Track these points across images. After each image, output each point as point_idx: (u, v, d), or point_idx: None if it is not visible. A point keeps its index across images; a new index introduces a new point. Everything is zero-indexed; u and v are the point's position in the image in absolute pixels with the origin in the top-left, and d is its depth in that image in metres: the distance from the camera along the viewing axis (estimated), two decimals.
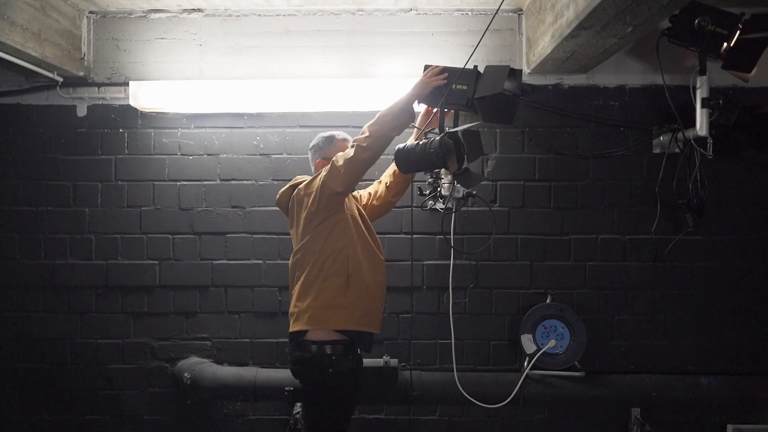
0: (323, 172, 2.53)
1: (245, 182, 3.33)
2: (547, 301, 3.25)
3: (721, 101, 2.85)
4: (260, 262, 3.32)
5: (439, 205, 2.87)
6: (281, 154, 3.33)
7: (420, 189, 3.15)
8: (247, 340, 3.32)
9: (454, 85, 2.78)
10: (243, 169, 3.33)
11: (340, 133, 2.76)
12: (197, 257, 3.32)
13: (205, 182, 3.33)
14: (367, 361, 3.06)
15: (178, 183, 3.33)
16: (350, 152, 2.49)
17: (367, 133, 2.49)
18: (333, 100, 3.26)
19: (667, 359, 3.27)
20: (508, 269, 3.31)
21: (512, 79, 2.70)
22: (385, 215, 3.14)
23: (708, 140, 2.92)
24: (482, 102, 2.73)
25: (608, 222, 3.30)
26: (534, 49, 3.01)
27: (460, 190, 2.89)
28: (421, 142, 2.62)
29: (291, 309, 2.59)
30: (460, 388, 3.03)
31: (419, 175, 3.12)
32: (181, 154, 3.34)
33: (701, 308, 3.28)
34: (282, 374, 3.17)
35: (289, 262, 2.65)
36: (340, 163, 2.48)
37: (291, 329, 2.55)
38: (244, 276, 3.32)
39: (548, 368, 3.11)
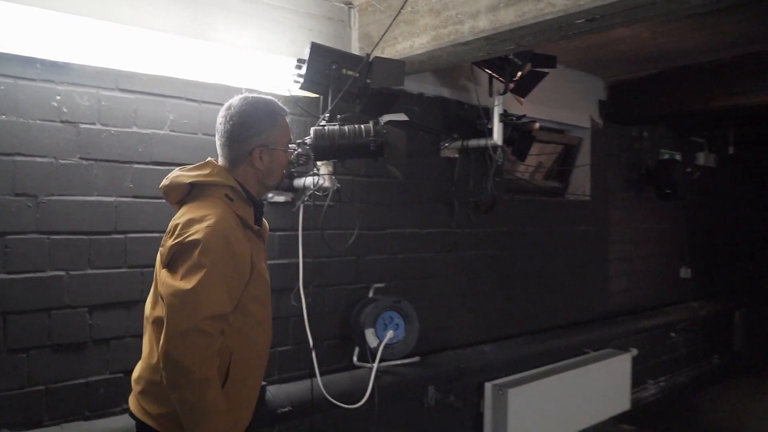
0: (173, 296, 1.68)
1: (38, 160, 2.29)
2: (370, 294, 3.33)
3: (515, 118, 3.50)
4: (62, 273, 2.34)
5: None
6: (94, 124, 2.42)
7: None
8: (42, 387, 2.30)
9: (344, 70, 2.65)
10: (35, 140, 2.28)
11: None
12: None
13: None
14: None
15: None
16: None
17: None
18: (167, 61, 2.57)
19: (457, 336, 3.78)
20: (339, 265, 3.24)
21: None
22: None
23: (499, 148, 3.55)
24: (372, 93, 2.70)
25: (414, 217, 3.59)
26: (388, 47, 3.03)
27: (336, 183, 2.76)
28: (346, 128, 2.40)
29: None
30: (326, 395, 2.84)
31: None
32: None
33: (474, 289, 3.91)
34: (101, 426, 2.34)
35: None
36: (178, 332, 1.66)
37: None
38: (35, 295, 2.28)
39: (390, 359, 3.20)
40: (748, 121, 5.80)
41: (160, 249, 1.86)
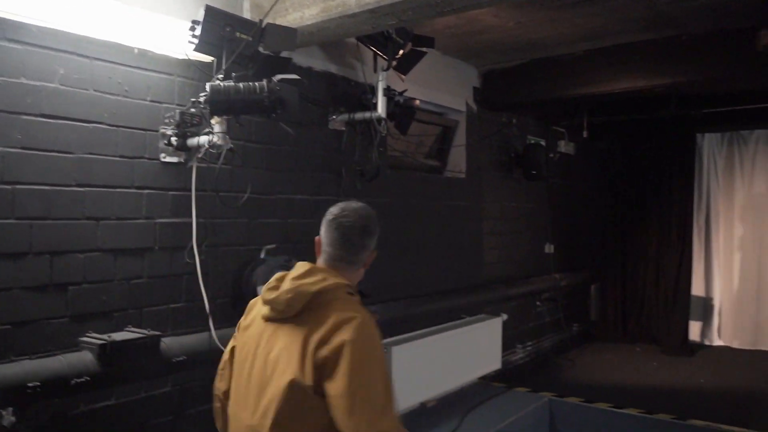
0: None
1: None
2: (262, 256, 3.48)
3: (397, 93, 3.79)
4: None
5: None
6: None
7: (168, 139, 2.96)
8: None
9: (238, 33, 2.80)
10: None
11: None
12: None
13: None
14: (120, 335, 2.66)
15: None
16: None
17: None
18: (57, 13, 2.57)
19: None
20: (232, 227, 3.36)
21: None
22: (111, 168, 2.78)
23: (383, 121, 3.83)
24: (265, 58, 2.87)
25: (303, 184, 3.77)
26: (279, 17, 3.19)
27: (229, 143, 2.90)
28: (241, 85, 2.56)
29: None
30: (220, 345, 2.95)
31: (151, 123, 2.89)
32: None
33: None
34: None
35: None
36: None
37: None
38: None
39: None
40: (599, 112, 6.56)
41: (281, 354, 1.71)
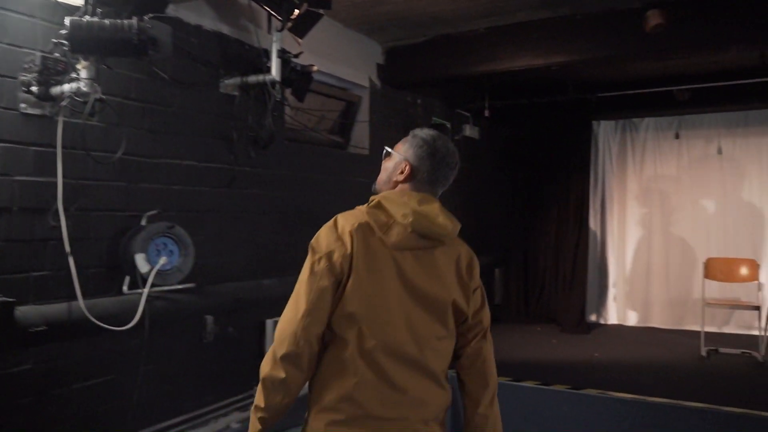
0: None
1: None
2: (142, 223, 3.22)
3: (292, 55, 3.62)
4: None
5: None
6: None
7: (29, 87, 2.67)
8: None
9: None
10: None
11: None
12: None
13: None
14: None
15: None
16: None
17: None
18: None
19: (235, 271, 3.78)
20: (107, 190, 3.08)
21: None
22: None
23: (278, 84, 3.65)
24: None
25: (191, 150, 3.53)
26: None
27: (99, 90, 2.65)
28: (107, 21, 2.31)
29: None
30: (88, 315, 2.69)
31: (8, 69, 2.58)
32: None
33: (257, 227, 3.95)
34: None
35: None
36: None
37: None
38: None
39: (164, 284, 3.12)
40: (501, 95, 6.67)
41: (440, 279, 1.79)
